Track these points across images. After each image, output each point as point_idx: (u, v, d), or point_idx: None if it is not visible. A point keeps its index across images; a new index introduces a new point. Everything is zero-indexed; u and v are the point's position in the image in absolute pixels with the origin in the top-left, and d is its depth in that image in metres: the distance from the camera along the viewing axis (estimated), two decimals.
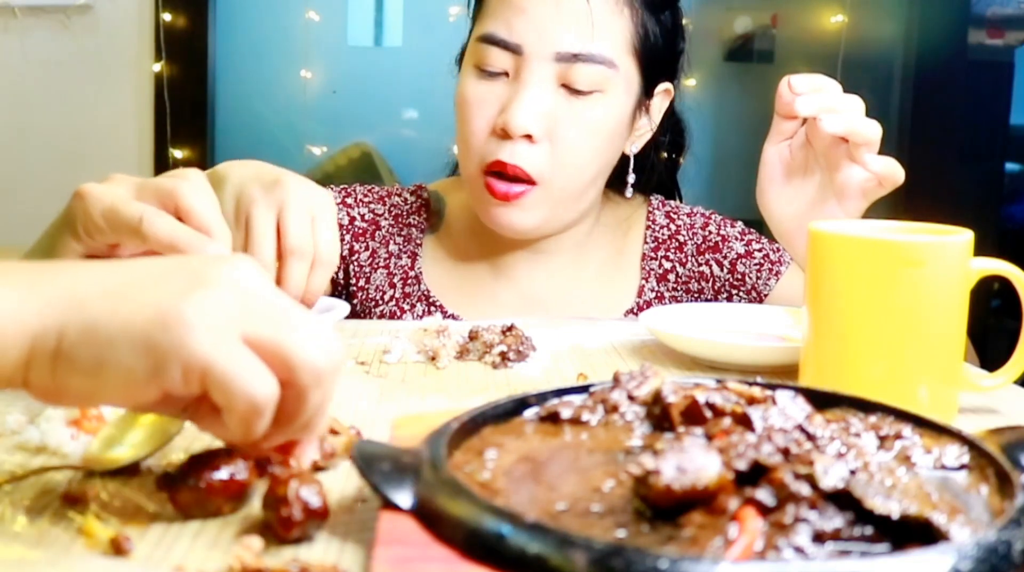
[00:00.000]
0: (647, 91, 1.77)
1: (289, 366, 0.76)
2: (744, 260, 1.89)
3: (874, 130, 1.42)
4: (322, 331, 0.79)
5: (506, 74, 1.67)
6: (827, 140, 1.45)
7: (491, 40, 1.67)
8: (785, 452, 0.76)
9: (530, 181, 1.65)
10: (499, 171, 1.65)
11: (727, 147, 4.50)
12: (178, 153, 4.06)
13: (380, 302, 1.84)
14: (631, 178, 1.83)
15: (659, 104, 1.82)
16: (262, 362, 0.76)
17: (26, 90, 4.04)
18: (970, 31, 4.56)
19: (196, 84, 4.12)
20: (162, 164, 4.04)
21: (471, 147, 1.69)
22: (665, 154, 1.96)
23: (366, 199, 1.92)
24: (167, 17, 4.02)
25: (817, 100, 1.43)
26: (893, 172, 1.44)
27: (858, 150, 1.43)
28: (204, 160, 4.13)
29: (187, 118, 4.10)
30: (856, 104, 1.43)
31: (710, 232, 1.92)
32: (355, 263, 1.87)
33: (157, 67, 4.03)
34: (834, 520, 0.68)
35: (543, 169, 1.65)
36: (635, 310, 1.85)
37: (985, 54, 4.58)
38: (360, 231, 1.89)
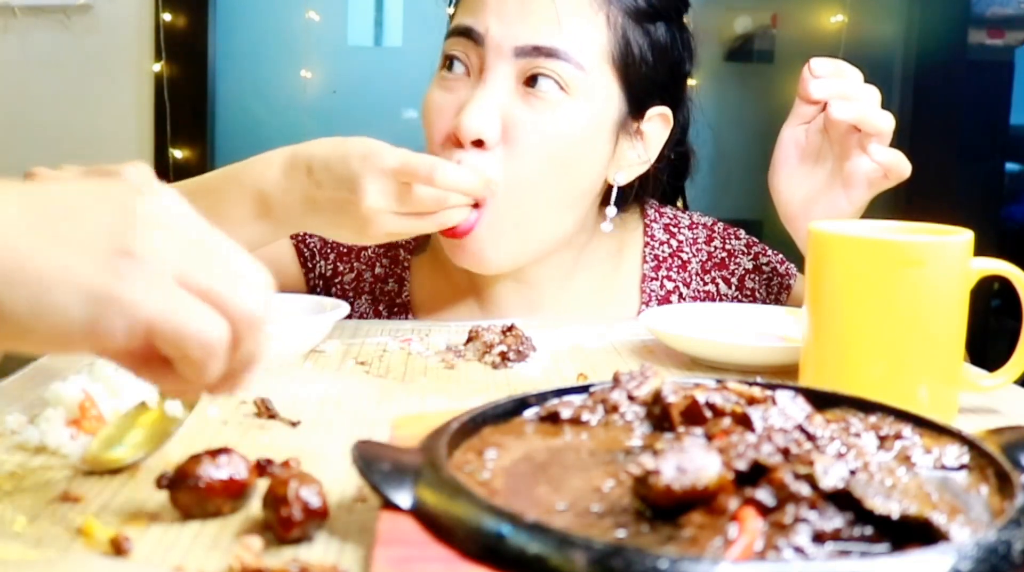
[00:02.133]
0: (634, 113, 1.63)
1: (225, 314, 0.74)
2: (753, 276, 1.82)
3: (886, 122, 1.42)
4: (255, 275, 0.77)
5: (468, 75, 1.56)
6: (841, 127, 1.45)
7: (456, 31, 1.57)
8: (785, 452, 0.76)
9: (474, 204, 1.48)
10: None
11: (727, 147, 4.49)
12: (178, 153, 4.06)
13: None
14: (611, 211, 1.67)
15: (656, 133, 1.67)
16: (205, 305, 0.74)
17: (26, 90, 4.04)
18: (970, 31, 4.56)
19: (196, 84, 4.12)
20: (162, 164, 4.03)
21: None
22: (667, 176, 1.80)
23: None
24: (167, 17, 4.01)
25: (831, 85, 1.44)
26: (898, 164, 1.44)
27: (867, 140, 1.43)
28: (204, 160, 4.12)
29: (187, 118, 4.09)
30: (872, 94, 1.44)
31: (715, 247, 1.83)
32: (338, 286, 1.78)
33: (157, 67, 4.03)
34: (834, 520, 0.68)
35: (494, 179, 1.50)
36: None
37: (985, 54, 4.58)
38: (344, 251, 1.79)
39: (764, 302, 1.81)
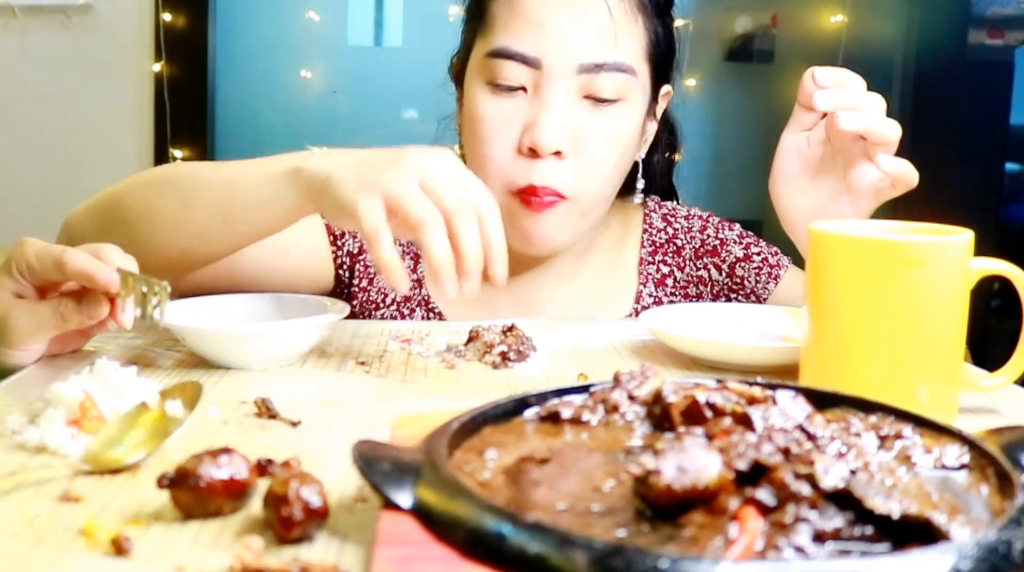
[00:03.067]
0: (654, 95, 1.75)
1: None
2: (743, 264, 1.88)
3: (893, 130, 1.42)
4: None
5: (523, 89, 1.63)
6: (845, 137, 1.45)
7: (506, 54, 1.62)
8: (785, 452, 0.76)
9: (560, 196, 1.62)
10: (531, 193, 1.62)
11: (727, 147, 4.50)
12: (178, 153, 4.06)
13: (381, 305, 1.81)
14: (640, 184, 1.82)
15: (661, 107, 1.81)
16: None
17: (26, 90, 4.05)
18: (970, 31, 4.56)
19: (196, 84, 4.12)
20: (162, 164, 4.05)
21: (494, 169, 1.64)
22: (660, 154, 1.93)
23: None
24: (167, 17, 4.02)
25: (837, 96, 1.43)
26: (907, 174, 1.44)
27: (874, 149, 1.43)
28: (204, 160, 4.12)
29: (187, 118, 4.09)
30: (878, 103, 1.43)
31: (708, 235, 1.91)
32: (362, 262, 1.82)
33: (157, 67, 4.03)
34: (834, 520, 0.68)
35: (572, 185, 1.62)
36: (633, 315, 1.83)
37: (985, 54, 4.58)
38: None
39: (753, 290, 1.88)
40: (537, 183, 1.61)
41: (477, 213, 1.26)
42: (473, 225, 1.25)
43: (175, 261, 1.45)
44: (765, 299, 1.86)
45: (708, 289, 1.89)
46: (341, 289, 1.81)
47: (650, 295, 1.85)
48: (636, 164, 1.78)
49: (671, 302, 1.86)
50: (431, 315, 1.80)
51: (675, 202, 2.01)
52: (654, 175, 1.92)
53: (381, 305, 1.82)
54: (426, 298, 1.81)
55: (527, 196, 1.62)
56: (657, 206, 1.95)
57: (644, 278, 1.87)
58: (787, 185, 1.54)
